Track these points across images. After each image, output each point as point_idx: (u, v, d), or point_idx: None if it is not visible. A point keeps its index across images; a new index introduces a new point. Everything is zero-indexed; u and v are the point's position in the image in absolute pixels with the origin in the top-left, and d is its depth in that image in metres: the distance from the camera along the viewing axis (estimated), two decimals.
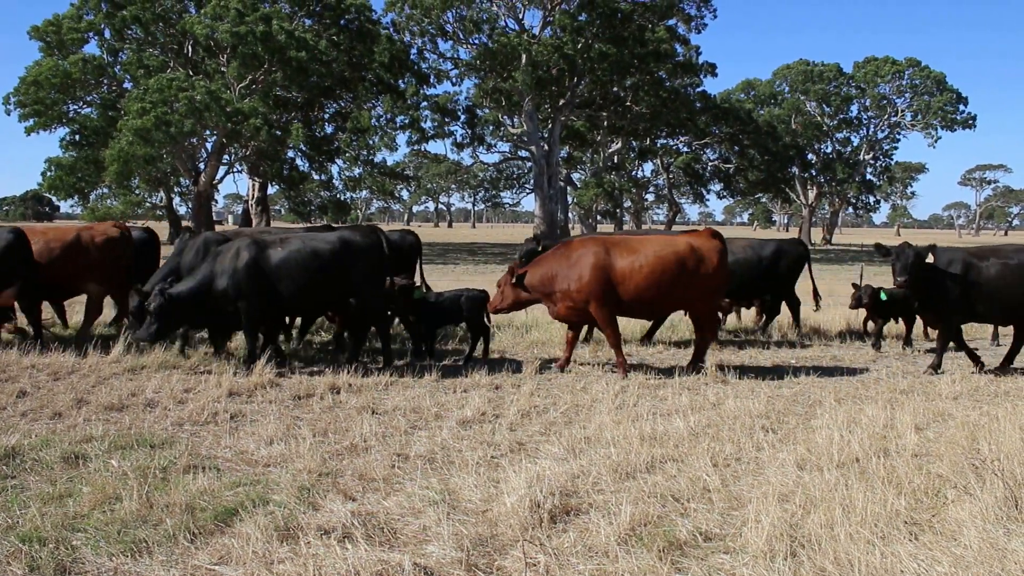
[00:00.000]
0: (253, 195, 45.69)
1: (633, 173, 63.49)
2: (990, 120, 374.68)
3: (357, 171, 47.51)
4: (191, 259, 10.05)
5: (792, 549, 4.20)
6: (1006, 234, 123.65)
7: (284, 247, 9.14)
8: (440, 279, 22.58)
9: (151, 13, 39.44)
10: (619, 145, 57.07)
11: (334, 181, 47.15)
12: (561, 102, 48.50)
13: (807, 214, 74.40)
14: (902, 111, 69.14)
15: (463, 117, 52.66)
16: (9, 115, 41.10)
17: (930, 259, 9.73)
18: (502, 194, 78.19)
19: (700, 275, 9.35)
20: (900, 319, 12.50)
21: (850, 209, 77.86)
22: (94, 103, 42.48)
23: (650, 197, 73.47)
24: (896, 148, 74.82)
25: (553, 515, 4.67)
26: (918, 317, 11.76)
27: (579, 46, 44.74)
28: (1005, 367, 10.12)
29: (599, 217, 61.10)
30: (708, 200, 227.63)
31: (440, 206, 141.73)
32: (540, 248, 12.33)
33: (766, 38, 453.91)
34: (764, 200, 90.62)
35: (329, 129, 47.41)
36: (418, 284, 11.35)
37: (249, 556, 4.12)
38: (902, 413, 7.18)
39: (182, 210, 48.09)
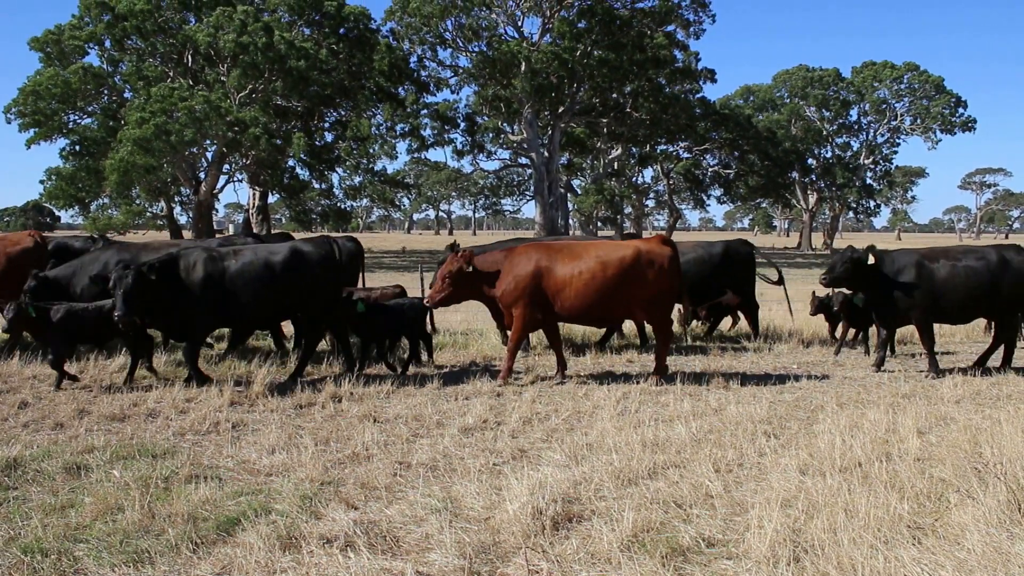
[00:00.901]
0: (254, 204, 45.82)
1: (633, 179, 63.48)
2: (990, 124, 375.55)
3: (357, 179, 47.75)
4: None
5: (795, 554, 4.19)
6: (1007, 237, 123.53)
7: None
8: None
9: (152, 24, 39.57)
10: (619, 151, 57.11)
11: (334, 190, 47.38)
12: (561, 109, 48.58)
13: (808, 219, 74.52)
14: (901, 115, 69.16)
15: (463, 125, 52.85)
16: (9, 123, 41.21)
17: (871, 260, 9.89)
18: (502, 201, 78.48)
19: (649, 281, 9.21)
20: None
21: (851, 214, 77.80)
22: (94, 113, 42.53)
23: (650, 203, 73.77)
24: (896, 152, 75.08)
25: (555, 522, 4.67)
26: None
27: (578, 53, 44.90)
28: (980, 365, 10.35)
29: (600, 224, 61.15)
30: (709, 206, 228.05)
31: (441, 214, 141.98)
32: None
33: (765, 44, 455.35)
34: (765, 205, 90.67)
35: (329, 138, 47.58)
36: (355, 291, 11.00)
37: (251, 566, 4.12)
38: (904, 417, 7.17)
39: (183, 220, 48.13)
